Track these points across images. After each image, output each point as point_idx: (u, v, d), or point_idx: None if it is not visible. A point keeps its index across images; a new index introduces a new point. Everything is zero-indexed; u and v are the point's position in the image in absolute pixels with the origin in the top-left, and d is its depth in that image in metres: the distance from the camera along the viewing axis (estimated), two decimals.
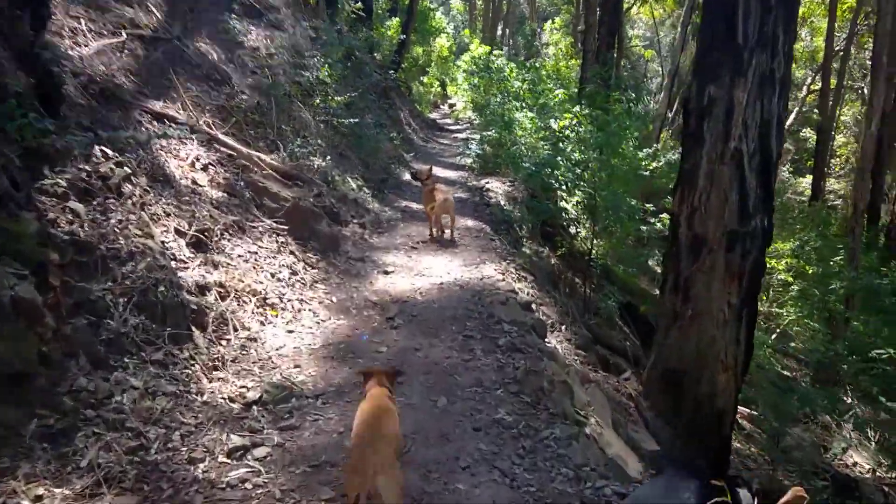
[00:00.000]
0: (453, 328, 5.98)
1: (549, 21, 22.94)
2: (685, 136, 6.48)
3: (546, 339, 6.60)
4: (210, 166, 7.78)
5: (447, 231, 9.54)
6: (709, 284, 6.23)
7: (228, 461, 3.89)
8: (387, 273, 7.81)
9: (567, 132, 14.02)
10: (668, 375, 6.39)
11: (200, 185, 7.32)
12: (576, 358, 6.93)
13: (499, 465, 3.86)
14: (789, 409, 9.16)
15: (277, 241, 7.39)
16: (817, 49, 29.39)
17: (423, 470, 3.86)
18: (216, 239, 6.61)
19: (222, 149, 8.49)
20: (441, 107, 32.44)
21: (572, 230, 12.57)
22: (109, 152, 5.84)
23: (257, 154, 9.46)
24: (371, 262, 8.29)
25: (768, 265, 10.90)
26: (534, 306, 7.12)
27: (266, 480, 3.72)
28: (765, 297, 13.78)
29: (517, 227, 11.00)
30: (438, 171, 15.46)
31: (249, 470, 3.81)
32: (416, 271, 7.86)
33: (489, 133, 13.97)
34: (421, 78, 31.86)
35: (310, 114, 12.60)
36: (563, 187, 10.51)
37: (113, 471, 3.54)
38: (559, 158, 12.75)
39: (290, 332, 5.97)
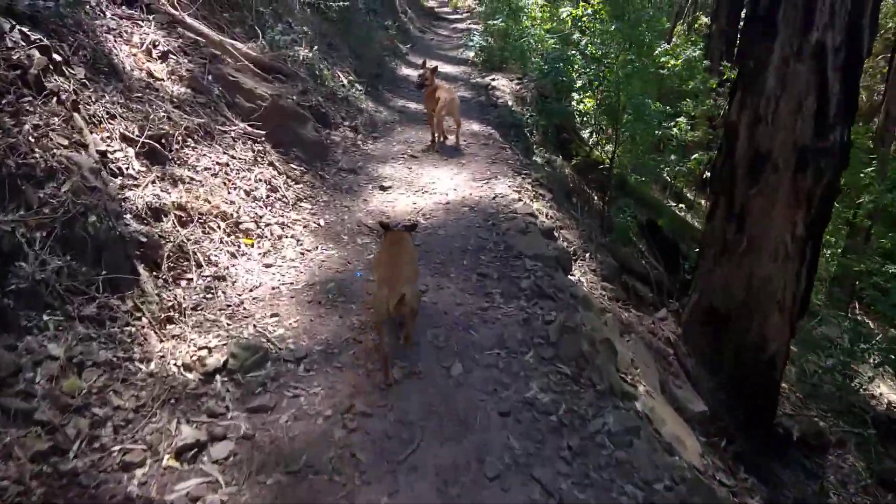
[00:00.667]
0: (465, 263, 4.86)
1: None
2: (749, 23, 5.11)
3: (571, 273, 5.53)
4: (171, 55, 6.35)
5: (451, 136, 8.23)
6: (769, 211, 5.09)
7: (177, 465, 2.86)
8: (384, 189, 6.59)
9: (582, 23, 12.40)
10: (713, 316, 5.37)
11: (158, 79, 5.95)
12: (603, 293, 5.87)
13: (538, 475, 2.85)
14: (812, 338, 8.30)
15: (253, 150, 6.10)
16: None
17: (437, 479, 2.84)
18: (176, 147, 5.33)
19: (187, 33, 7.01)
20: None
21: (586, 135, 11.24)
22: (31, 34, 4.48)
23: (231, 41, 7.97)
24: (365, 174, 7.04)
25: None
26: (555, 233, 5.98)
27: (225, 497, 2.70)
28: None
29: (528, 131, 9.65)
30: (440, 64, 13.88)
31: (204, 480, 2.78)
32: (417, 187, 6.63)
33: (494, 23, 12.26)
34: None
35: None
36: (581, 87, 9.04)
37: (8, 492, 2.50)
38: (575, 53, 11.26)
39: (268, 266, 4.83)
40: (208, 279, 4.40)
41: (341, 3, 10.65)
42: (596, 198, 9.24)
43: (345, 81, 9.94)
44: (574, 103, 9.84)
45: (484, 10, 14.71)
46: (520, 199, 6.09)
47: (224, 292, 4.36)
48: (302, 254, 5.09)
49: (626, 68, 8.98)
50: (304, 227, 5.55)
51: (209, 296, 4.26)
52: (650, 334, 5.36)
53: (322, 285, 4.56)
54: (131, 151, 4.87)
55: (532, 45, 12.29)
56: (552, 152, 10.20)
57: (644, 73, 9.69)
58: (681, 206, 12.72)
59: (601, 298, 5.73)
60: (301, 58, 9.31)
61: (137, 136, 4.99)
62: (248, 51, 8.02)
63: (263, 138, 6.36)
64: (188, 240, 4.57)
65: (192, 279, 4.32)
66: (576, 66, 11.03)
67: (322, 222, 5.69)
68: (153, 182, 4.82)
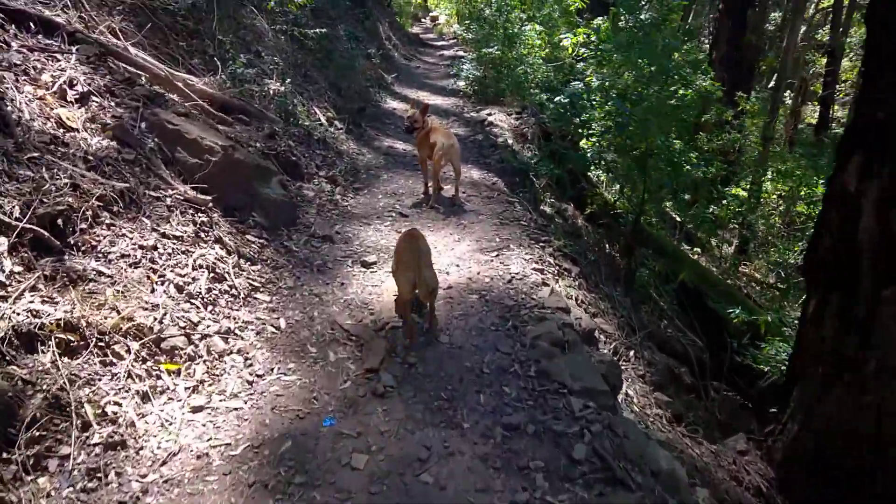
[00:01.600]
0: (481, 401, 3.29)
1: None
2: (885, 63, 3.61)
3: (620, 390, 4.01)
4: (93, 96, 4.81)
5: (448, 186, 6.73)
6: None
7: None
8: (366, 265, 5.02)
9: (583, 51, 11.02)
10: (825, 458, 3.84)
11: (70, 129, 4.40)
12: (659, 412, 4.35)
13: None
14: None
15: (195, 222, 4.53)
16: None
17: None
18: (82, 228, 3.77)
19: (123, 68, 5.48)
20: (423, 20, 28.57)
21: (600, 178, 9.80)
22: None
23: (185, 76, 6.44)
24: (344, 241, 5.49)
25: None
26: (597, 332, 4.46)
27: None
28: None
29: (534, 176, 8.18)
30: (427, 97, 12.42)
31: None
32: None
33: (488, 51, 10.82)
34: None
35: (266, 21, 9.41)
36: (601, 131, 7.59)
37: None
38: (588, 88, 9.89)
39: (197, 410, 3.24)
40: (96, 451, 2.81)
41: (319, 31, 9.15)
42: (609, 247, 7.76)
43: (322, 119, 8.43)
44: (588, 144, 8.40)
45: (474, 38, 13.31)
46: (544, 283, 4.57)
47: (119, 472, 2.77)
48: (250, 382, 3.51)
49: (648, 104, 7.56)
50: (258, 333, 3.97)
51: (91, 485, 2.67)
52: (734, 482, 3.82)
53: (273, 447, 2.98)
54: (2, 243, 3.30)
55: (530, 76, 10.86)
56: (558, 197, 8.74)
57: (663, 108, 8.30)
58: (694, 249, 11.28)
59: (658, 420, 4.20)
60: (271, 92, 7.81)
61: (17, 219, 3.43)
62: (204, 87, 6.48)
63: (211, 204, 4.80)
64: (73, 381, 2.98)
65: (68, 456, 2.73)
66: (594, 104, 9.66)
67: (283, 324, 4.12)
68: (32, 289, 3.24)
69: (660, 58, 7.30)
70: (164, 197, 4.50)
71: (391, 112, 10.73)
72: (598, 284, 6.02)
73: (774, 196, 12.05)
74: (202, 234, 4.47)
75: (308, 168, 6.61)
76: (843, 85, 27.59)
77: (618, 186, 8.55)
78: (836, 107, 25.61)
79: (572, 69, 12.26)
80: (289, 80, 8.31)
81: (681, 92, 10.24)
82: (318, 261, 5.07)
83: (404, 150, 8.41)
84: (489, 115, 10.25)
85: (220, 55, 7.23)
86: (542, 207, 7.73)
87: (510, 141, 9.29)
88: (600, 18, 11.50)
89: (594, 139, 7.35)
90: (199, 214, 4.62)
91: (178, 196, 4.61)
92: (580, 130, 7.47)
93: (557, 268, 5.22)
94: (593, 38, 11.25)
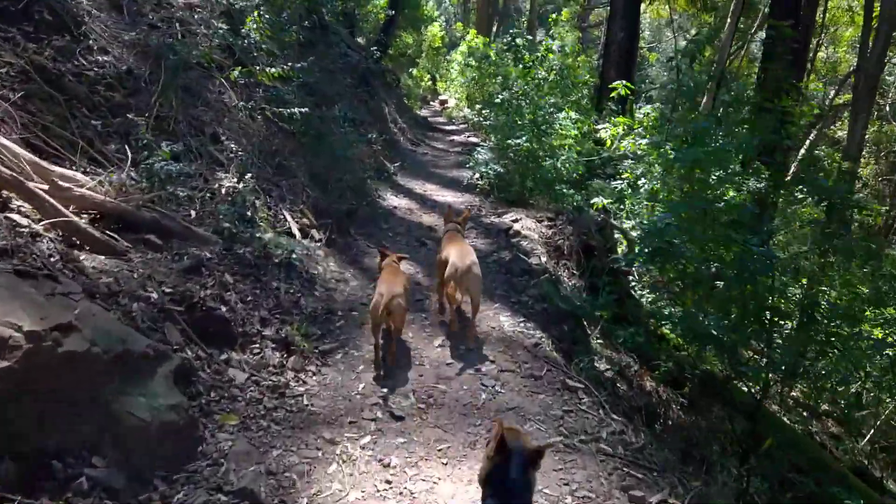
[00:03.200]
0: None
1: (554, 14, 17.55)
2: None
3: None
4: None
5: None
6: None
7: None
8: None
9: (624, 144, 8.67)
10: None
11: None
12: None
13: None
14: None
15: None
16: (840, 60, 24.39)
17: None
18: None
19: None
20: (432, 103, 26.80)
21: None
22: None
23: (68, 174, 3.95)
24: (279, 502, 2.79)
25: None
26: None
27: None
28: None
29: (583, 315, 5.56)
30: (435, 192, 9.97)
31: None
32: None
33: (516, 142, 8.37)
34: (410, 70, 26.17)
35: (238, 97, 7.03)
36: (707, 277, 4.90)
37: None
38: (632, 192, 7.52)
39: None
40: None
41: (299, 111, 6.72)
42: (726, 460, 4.96)
43: (293, 228, 5.87)
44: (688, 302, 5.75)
45: (492, 124, 10.99)
46: None
47: None
48: None
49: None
50: None
51: None
52: None
53: None
54: None
55: (563, 173, 8.41)
56: (616, 346, 6.07)
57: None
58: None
59: None
60: (223, 192, 5.32)
61: None
62: (92, 192, 3.94)
63: None
64: None
65: None
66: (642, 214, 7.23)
67: None
68: None
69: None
70: None
71: (390, 212, 8.21)
72: None
73: None
74: None
75: (247, 324, 3.95)
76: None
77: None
78: None
79: (609, 165, 9.89)
80: (250, 174, 5.82)
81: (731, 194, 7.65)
82: None
83: (405, 268, 5.81)
84: (514, 220, 7.71)
85: (145, 142, 4.73)
86: (596, 364, 5.05)
87: (542, 258, 6.70)
88: (649, 107, 9.22)
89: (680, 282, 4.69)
90: None
91: None
92: (680, 282, 4.71)
93: None
94: (638, 129, 8.91)
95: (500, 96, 10.64)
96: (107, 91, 5.21)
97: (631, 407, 4.81)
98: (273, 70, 6.41)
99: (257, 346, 3.85)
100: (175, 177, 4.50)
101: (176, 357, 3.11)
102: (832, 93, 26.83)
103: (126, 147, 4.58)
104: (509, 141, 8.46)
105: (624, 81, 9.34)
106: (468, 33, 26.91)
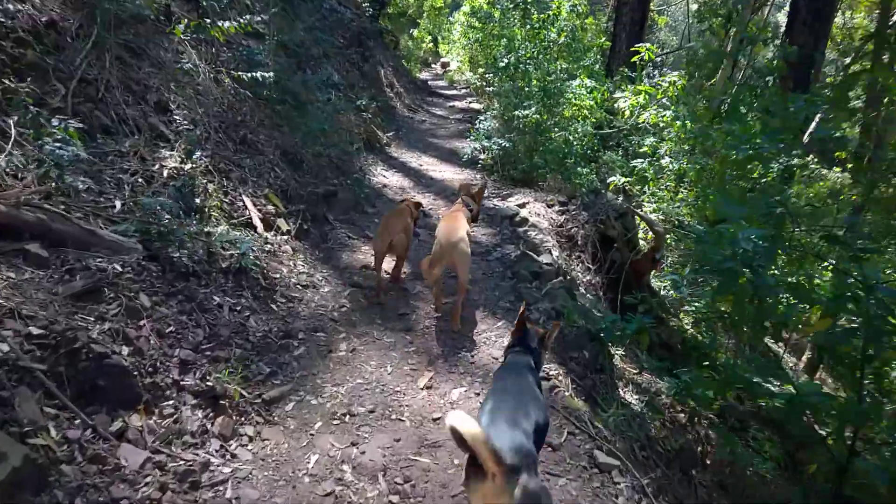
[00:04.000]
0: None
1: None
2: None
3: None
4: None
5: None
6: None
7: None
8: None
9: (644, 115, 7.47)
10: None
11: None
12: None
13: None
14: None
15: None
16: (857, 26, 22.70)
17: None
18: None
19: None
20: (433, 66, 25.20)
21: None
22: None
23: None
24: None
25: None
26: None
27: None
28: None
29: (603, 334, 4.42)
30: (432, 167, 8.73)
31: None
32: None
33: (524, 113, 7.09)
34: (411, 31, 24.47)
35: (200, 58, 5.78)
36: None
37: None
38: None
39: None
40: None
41: (264, 75, 5.48)
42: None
43: (255, 219, 4.70)
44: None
45: (496, 90, 9.66)
46: None
47: None
48: None
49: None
50: None
51: None
52: None
53: None
54: None
55: (577, 149, 7.17)
56: (635, 357, 4.96)
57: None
58: None
59: None
60: (165, 175, 4.16)
61: None
62: None
63: None
64: None
65: None
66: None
67: None
68: None
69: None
70: None
71: (379, 191, 7.02)
72: None
73: None
74: None
75: (159, 370, 2.80)
76: None
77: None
78: None
79: (624, 138, 8.62)
80: (201, 151, 4.62)
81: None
82: None
83: (389, 269, 4.67)
84: (521, 205, 6.51)
85: (31, 115, 3.51)
86: (620, 395, 3.96)
87: (555, 253, 5.53)
88: (674, 74, 7.91)
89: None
90: None
91: None
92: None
93: None
94: (662, 99, 7.65)
95: (504, 60, 9.31)
96: (16, 48, 4.00)
97: (666, 451, 3.73)
98: (229, 24, 5.10)
99: (171, 402, 2.72)
100: (74, 163, 3.30)
101: (16, 453, 1.99)
102: (847, 60, 25.02)
103: (11, 123, 3.38)
104: (516, 112, 7.18)
105: (647, 45, 8.03)
106: None
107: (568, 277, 5.08)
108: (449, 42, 23.99)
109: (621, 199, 6.95)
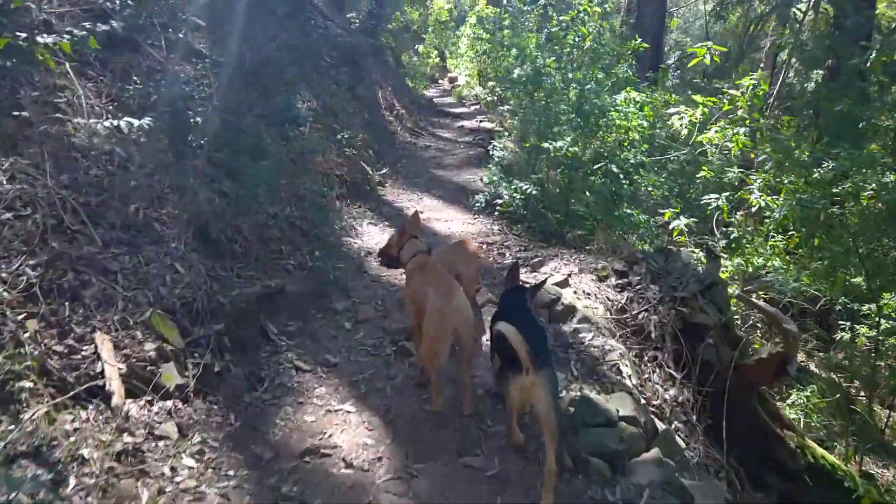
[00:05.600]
0: None
1: None
2: None
3: None
4: None
5: None
6: None
7: None
8: None
9: (710, 135, 5.26)
10: None
11: None
12: None
13: None
14: None
15: None
16: None
17: None
18: None
19: None
20: (440, 82, 23.02)
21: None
22: None
23: None
24: None
25: None
26: None
27: None
28: None
29: None
30: (436, 214, 6.54)
31: None
32: None
33: (557, 145, 4.79)
34: (416, 47, 22.33)
35: (99, 94, 3.65)
36: None
37: None
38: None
39: None
40: None
41: (131, 122, 3.29)
42: None
43: (111, 378, 2.53)
44: None
45: (512, 108, 7.43)
46: None
47: None
48: None
49: None
50: None
51: None
52: None
53: None
54: None
55: (634, 189, 4.90)
56: None
57: None
58: None
59: None
60: None
61: None
62: None
63: None
64: None
65: None
66: None
67: None
68: None
69: None
70: None
71: (362, 262, 4.81)
72: None
73: None
74: None
75: None
76: None
77: None
78: None
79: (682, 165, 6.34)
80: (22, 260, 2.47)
81: None
82: None
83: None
84: (563, 283, 4.23)
85: None
86: None
87: (633, 380, 3.28)
88: (751, 78, 5.59)
89: None
90: None
91: None
92: None
93: None
94: (741, 113, 5.39)
95: (518, 69, 7.06)
96: None
97: None
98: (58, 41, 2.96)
99: None
100: None
101: None
102: None
103: None
104: (546, 144, 4.90)
105: (709, 43, 5.73)
106: (477, 4, 23.01)
107: (663, 438, 2.81)
108: (456, 56, 21.87)
109: (702, 258, 4.67)
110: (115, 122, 3.10)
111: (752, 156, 6.14)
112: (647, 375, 3.84)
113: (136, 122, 3.13)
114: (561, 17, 6.90)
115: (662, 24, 13.55)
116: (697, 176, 5.96)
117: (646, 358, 3.94)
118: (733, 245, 4.29)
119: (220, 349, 3.09)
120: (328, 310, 3.92)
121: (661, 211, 5.48)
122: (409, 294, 3.04)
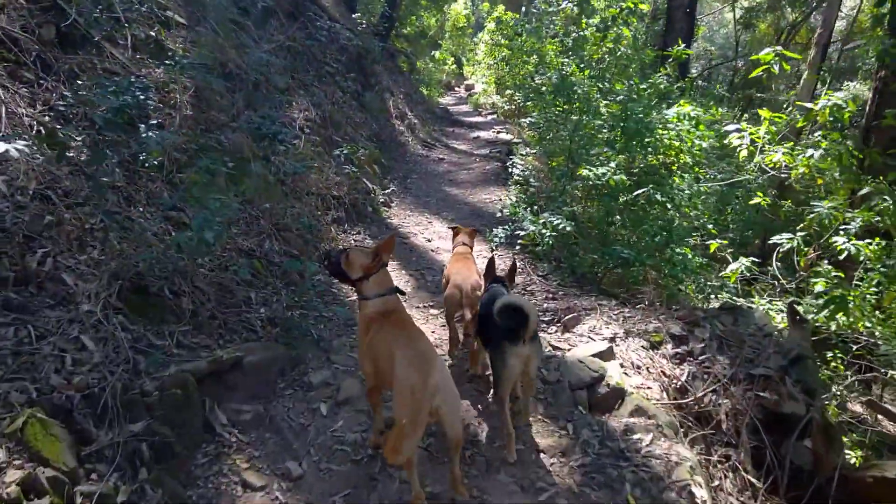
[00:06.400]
0: None
1: None
2: None
3: None
4: None
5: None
6: None
7: None
8: None
9: (775, 156, 4.24)
10: None
11: None
12: None
13: None
14: None
15: None
16: None
17: None
18: None
19: None
20: (457, 89, 22.11)
21: None
22: None
23: None
24: None
25: None
26: None
27: None
28: None
29: None
30: (446, 245, 5.56)
31: None
32: None
33: (599, 171, 3.80)
34: (433, 53, 21.41)
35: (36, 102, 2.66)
36: None
37: None
38: None
39: None
40: None
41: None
42: None
43: None
44: None
45: (535, 122, 6.45)
46: None
47: None
48: None
49: None
50: None
51: None
52: None
53: None
54: None
55: (690, 228, 3.91)
56: None
57: None
58: None
59: None
60: None
61: None
62: None
63: None
64: None
65: None
66: None
67: None
68: None
69: None
70: None
71: (354, 305, 3.86)
72: None
73: None
74: None
75: None
76: None
77: None
78: None
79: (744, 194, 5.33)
80: None
81: None
82: None
83: None
84: (604, 351, 3.23)
85: None
86: None
87: (703, 499, 2.30)
88: (852, 85, 4.52)
89: None
90: None
91: None
92: None
93: None
94: (818, 137, 4.40)
95: (539, 79, 6.08)
96: None
97: None
98: None
99: None
100: None
101: None
102: None
103: None
104: (584, 171, 3.91)
105: (778, 48, 4.70)
106: (496, 10, 22.02)
107: None
108: (473, 63, 20.91)
109: (778, 318, 3.64)
110: (24, 140, 2.17)
111: (819, 182, 5.10)
112: (717, 482, 2.84)
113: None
114: (598, 15, 5.91)
115: (692, 32, 12.56)
116: (750, 203, 4.98)
117: (714, 457, 2.94)
118: (835, 302, 3.27)
119: (134, 462, 2.16)
120: (301, 384, 2.96)
121: (697, 239, 4.49)
122: (366, 348, 2.34)
